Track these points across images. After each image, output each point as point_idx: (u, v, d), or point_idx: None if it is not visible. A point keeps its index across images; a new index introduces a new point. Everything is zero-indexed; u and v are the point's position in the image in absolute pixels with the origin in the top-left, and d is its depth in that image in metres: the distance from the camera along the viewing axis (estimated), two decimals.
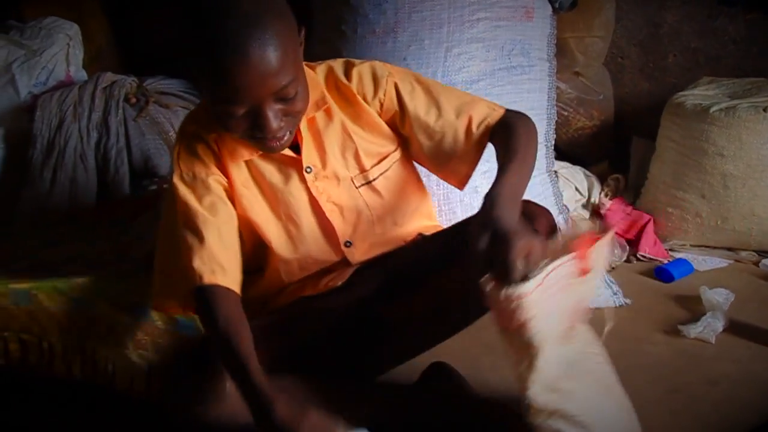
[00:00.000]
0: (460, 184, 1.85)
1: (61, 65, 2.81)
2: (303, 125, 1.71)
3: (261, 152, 1.70)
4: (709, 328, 2.32)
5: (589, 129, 3.31)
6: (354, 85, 1.78)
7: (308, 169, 1.75)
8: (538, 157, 2.55)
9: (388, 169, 1.84)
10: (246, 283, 1.76)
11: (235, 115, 1.53)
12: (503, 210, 1.47)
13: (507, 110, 1.81)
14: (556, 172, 2.80)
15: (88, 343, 1.92)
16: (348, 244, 1.83)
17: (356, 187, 1.81)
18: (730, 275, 2.72)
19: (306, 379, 1.76)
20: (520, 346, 1.46)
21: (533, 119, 2.51)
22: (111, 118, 2.53)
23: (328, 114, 1.77)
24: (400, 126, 1.81)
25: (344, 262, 1.86)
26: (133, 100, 2.55)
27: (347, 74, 1.78)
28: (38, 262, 2.11)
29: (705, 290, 2.45)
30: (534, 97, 2.58)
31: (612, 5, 3.24)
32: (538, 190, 2.58)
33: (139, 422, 1.96)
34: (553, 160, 2.74)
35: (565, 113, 3.22)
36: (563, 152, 3.16)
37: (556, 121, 2.81)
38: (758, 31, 3.14)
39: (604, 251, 1.51)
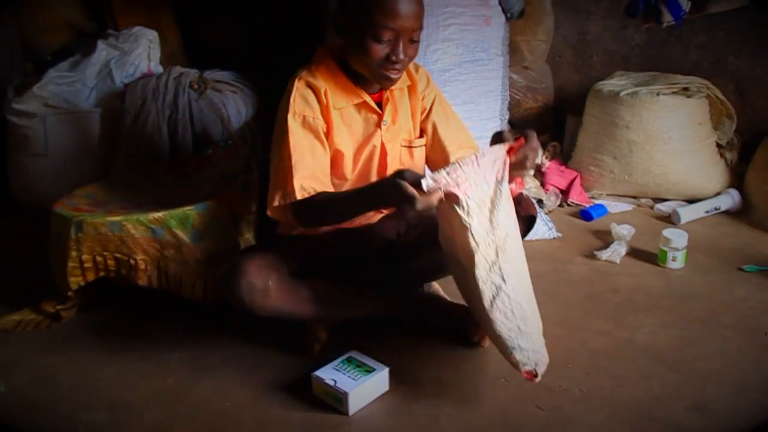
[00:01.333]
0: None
1: (144, 62, 2.79)
2: (388, 92, 1.77)
3: (354, 102, 1.75)
4: (616, 252, 2.35)
5: (535, 109, 3.27)
6: (418, 78, 1.86)
7: (384, 122, 1.78)
8: (495, 128, 2.58)
9: (422, 146, 1.89)
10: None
11: (382, 40, 1.60)
12: None
13: None
14: None
15: (161, 261, 1.92)
16: None
17: (402, 146, 1.85)
18: (633, 215, 2.73)
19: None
20: (456, 217, 1.49)
21: (491, 99, 2.55)
22: (179, 100, 2.52)
23: (405, 90, 1.84)
24: (422, 122, 1.89)
25: None
26: (196, 86, 2.53)
27: (416, 68, 1.87)
28: (127, 203, 2.10)
29: (614, 226, 2.46)
30: (491, 83, 2.55)
31: (551, 17, 3.17)
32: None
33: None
34: None
35: (517, 97, 3.17)
36: (516, 126, 3.10)
37: (511, 103, 2.81)
38: (654, 37, 3.11)
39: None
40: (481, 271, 1.51)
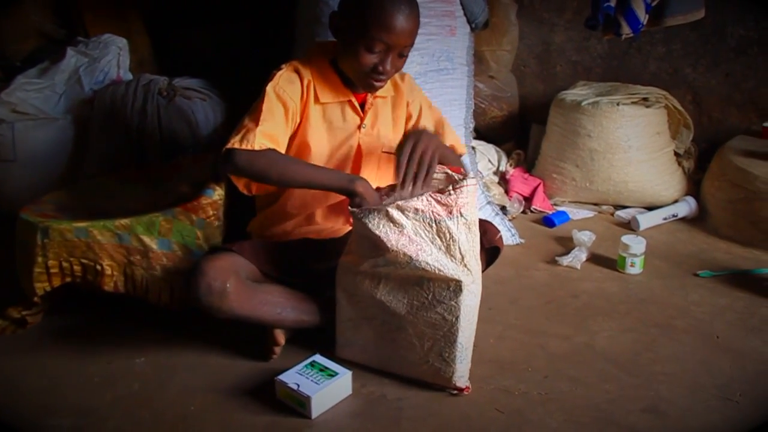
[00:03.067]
0: None
1: (113, 69, 2.76)
2: (372, 98, 1.84)
3: (340, 100, 1.79)
4: (577, 258, 2.37)
5: (500, 117, 3.29)
6: (404, 87, 1.92)
7: (363, 126, 1.84)
8: (460, 136, 2.59)
9: None
10: (261, 219, 1.92)
11: (373, 51, 1.66)
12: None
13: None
14: (474, 147, 2.81)
15: (128, 267, 1.89)
16: None
17: (383, 152, 1.88)
18: (594, 222, 2.76)
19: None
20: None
21: (455, 108, 2.56)
22: (148, 107, 2.49)
23: (389, 100, 1.90)
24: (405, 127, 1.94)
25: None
26: (164, 93, 2.50)
27: (402, 77, 1.93)
28: (95, 210, 2.07)
29: (575, 232, 2.48)
30: (455, 92, 2.56)
31: (516, 28, 3.21)
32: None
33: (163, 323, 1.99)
34: (472, 139, 2.73)
35: (483, 106, 3.20)
36: (481, 134, 3.15)
37: (476, 111, 2.84)
38: (616, 49, 3.17)
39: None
40: (466, 280, 1.58)
